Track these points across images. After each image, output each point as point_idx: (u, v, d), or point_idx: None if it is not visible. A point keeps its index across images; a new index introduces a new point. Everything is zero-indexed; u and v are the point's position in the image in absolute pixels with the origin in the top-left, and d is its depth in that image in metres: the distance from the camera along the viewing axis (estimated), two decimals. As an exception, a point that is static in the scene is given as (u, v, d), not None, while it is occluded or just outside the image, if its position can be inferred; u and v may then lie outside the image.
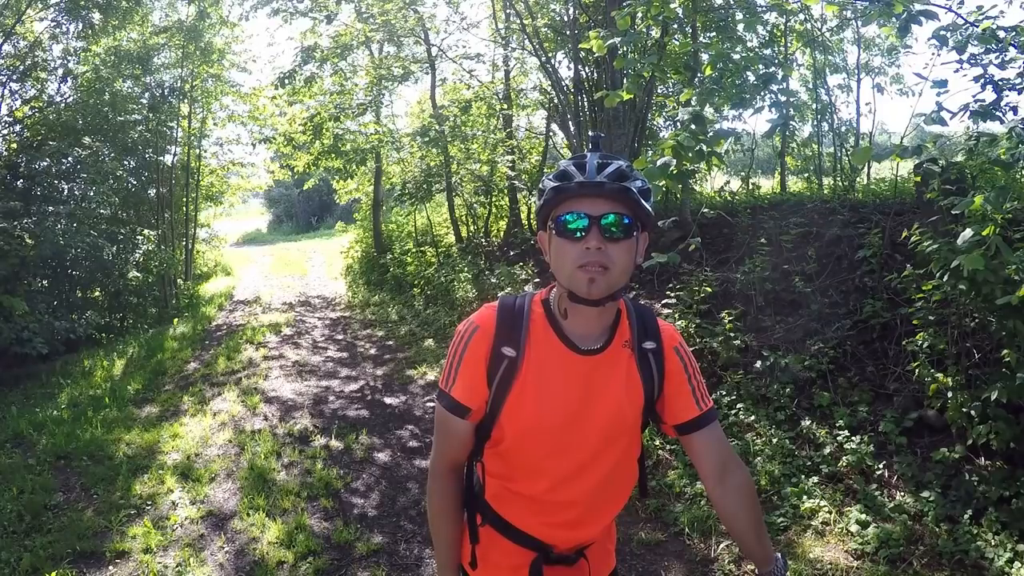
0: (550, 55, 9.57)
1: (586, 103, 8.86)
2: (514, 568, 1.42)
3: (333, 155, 12.06)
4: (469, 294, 8.73)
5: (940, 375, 3.73)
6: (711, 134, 3.55)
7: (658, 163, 3.37)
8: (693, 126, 3.50)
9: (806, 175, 9.17)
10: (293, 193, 29.96)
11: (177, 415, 5.80)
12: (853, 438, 3.87)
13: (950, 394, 3.61)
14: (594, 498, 1.38)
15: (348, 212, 21.33)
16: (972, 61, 3.87)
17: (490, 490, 1.44)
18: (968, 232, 3.04)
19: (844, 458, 3.79)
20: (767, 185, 10.17)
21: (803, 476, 3.80)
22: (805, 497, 3.60)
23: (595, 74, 8.81)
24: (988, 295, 3.26)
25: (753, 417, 4.38)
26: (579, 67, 8.89)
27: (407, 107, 19.74)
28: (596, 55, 5.61)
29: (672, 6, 4.55)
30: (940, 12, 3.60)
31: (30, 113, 10.64)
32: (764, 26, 8.18)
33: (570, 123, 8.94)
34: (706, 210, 6.55)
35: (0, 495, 4.19)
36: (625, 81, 4.47)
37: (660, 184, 3.39)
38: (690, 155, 3.45)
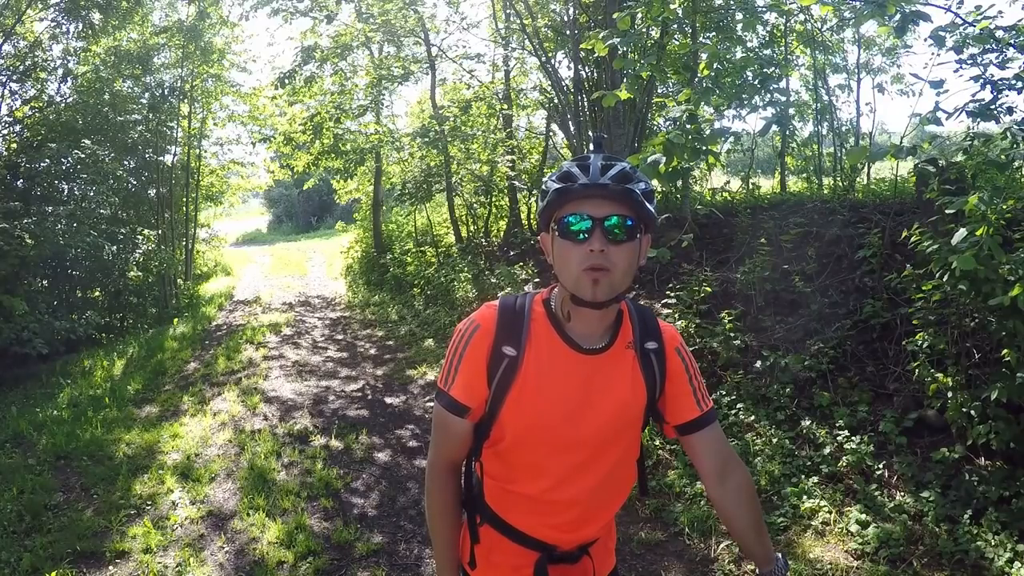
0: (550, 55, 9.57)
1: (586, 103, 8.86)
2: (516, 568, 1.42)
3: (333, 155, 12.08)
4: (469, 294, 8.73)
5: (940, 375, 3.73)
6: (708, 133, 3.55)
7: (648, 160, 3.38)
8: (687, 125, 3.50)
9: (806, 175, 9.17)
10: (293, 193, 29.96)
11: (177, 415, 5.80)
12: (853, 438, 3.87)
13: (950, 394, 3.61)
14: (594, 497, 1.38)
15: (348, 212, 21.34)
16: (971, 61, 3.87)
17: (489, 492, 1.44)
18: (962, 232, 3.04)
19: (844, 458, 3.79)
20: (767, 185, 10.17)
21: (803, 476, 3.80)
22: (805, 497, 3.60)
23: (595, 74, 8.82)
24: (988, 295, 3.27)
25: (753, 417, 4.38)
26: (579, 67, 8.89)
27: (407, 107, 19.82)
28: (596, 55, 5.62)
29: (672, 6, 4.56)
30: (939, 12, 3.61)
31: (30, 113, 10.64)
32: (764, 26, 8.19)
33: (570, 123, 8.94)
34: (699, 207, 6.55)
35: (0, 495, 4.19)
36: (624, 81, 4.47)
37: (653, 182, 3.40)
38: (685, 154, 3.46)
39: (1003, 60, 3.88)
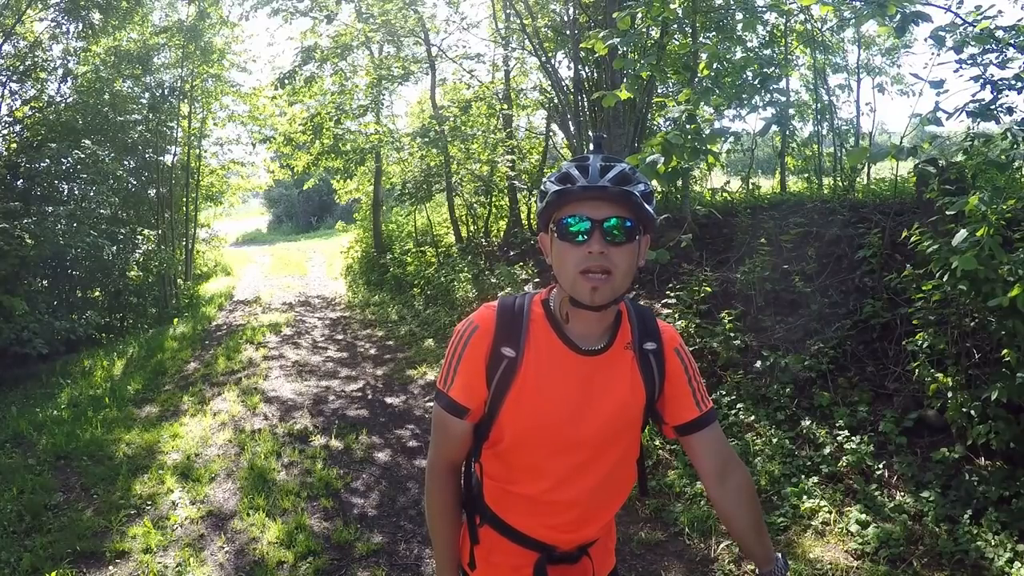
0: (550, 55, 9.57)
1: (586, 103, 8.86)
2: (516, 568, 1.42)
3: (333, 155, 12.08)
4: (469, 294, 8.73)
5: (940, 375, 3.73)
6: (707, 133, 3.56)
7: (647, 160, 3.39)
8: (687, 125, 3.51)
9: (806, 175, 9.16)
10: (293, 193, 29.96)
11: (177, 415, 5.80)
12: (853, 438, 3.87)
13: (950, 394, 3.61)
14: (594, 498, 1.38)
15: (348, 212, 21.34)
16: (971, 61, 3.87)
17: (489, 492, 1.44)
18: (963, 232, 3.04)
19: (844, 458, 3.79)
20: (767, 185, 10.16)
21: (803, 476, 3.80)
22: (805, 497, 3.60)
23: (595, 74, 8.82)
24: (988, 295, 3.27)
25: (753, 417, 4.38)
26: (579, 67, 8.89)
27: (407, 107, 19.83)
28: (596, 55, 5.62)
29: (672, 6, 4.56)
30: (938, 12, 3.61)
31: (30, 113, 10.64)
32: (764, 26, 8.18)
33: (570, 123, 8.94)
34: (699, 207, 6.54)
35: (0, 495, 4.19)
36: (624, 81, 4.48)
37: (651, 182, 3.41)
38: (684, 155, 3.46)
39: (1003, 60, 3.88)
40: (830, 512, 3.47)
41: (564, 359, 1.32)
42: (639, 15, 4.64)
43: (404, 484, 4.37)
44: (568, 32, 9.03)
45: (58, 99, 11.18)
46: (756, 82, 4.84)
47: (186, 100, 13.26)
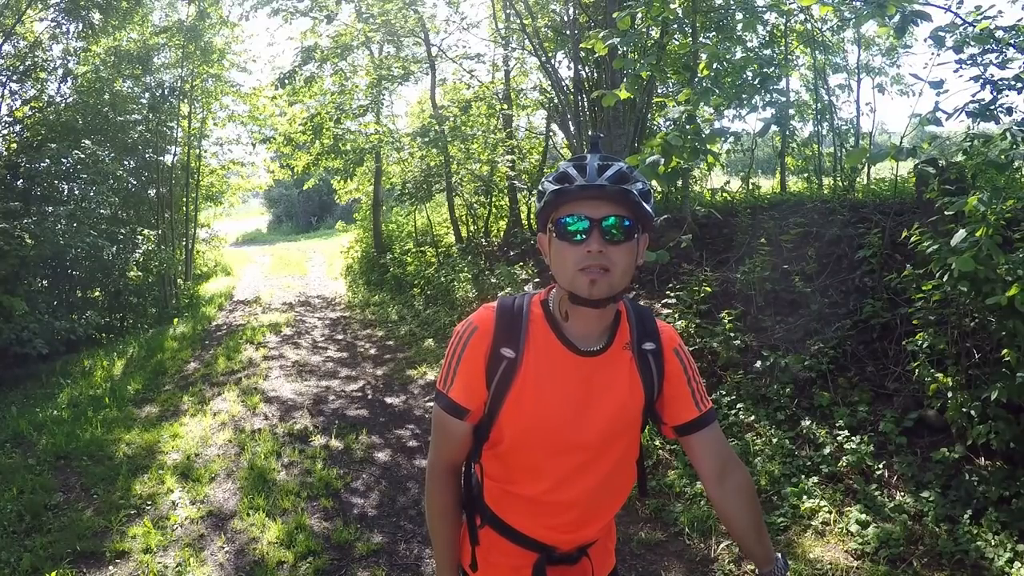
0: (550, 55, 9.57)
1: (586, 103, 8.86)
2: (515, 569, 1.42)
3: (333, 155, 12.09)
4: (469, 294, 8.73)
5: (940, 375, 3.73)
6: (707, 133, 3.56)
7: (647, 161, 3.39)
8: (686, 126, 3.51)
9: (806, 175, 9.16)
10: (293, 193, 29.98)
11: (177, 415, 5.80)
12: (853, 438, 3.87)
13: (950, 394, 3.61)
14: (594, 499, 1.38)
15: (348, 212, 21.35)
16: (971, 61, 3.87)
17: (489, 493, 1.44)
18: (961, 233, 3.04)
19: (844, 458, 3.79)
20: (767, 185, 10.16)
21: (803, 476, 3.80)
22: (805, 497, 3.60)
23: (595, 74, 8.82)
24: (988, 295, 3.27)
25: (753, 417, 4.38)
26: (579, 67, 8.89)
27: (407, 107, 19.83)
28: (596, 55, 5.62)
29: (672, 6, 4.56)
30: (938, 12, 3.61)
31: (30, 113, 10.64)
32: (764, 26, 8.19)
33: (570, 123, 8.94)
34: (698, 207, 6.53)
35: (0, 495, 4.19)
36: (624, 81, 4.48)
37: (651, 183, 3.41)
38: (684, 155, 3.46)
39: (1003, 60, 3.88)
40: (830, 512, 3.47)
41: (563, 360, 1.32)
42: (639, 15, 4.64)
43: (404, 484, 4.37)
44: (568, 32, 9.03)
45: (58, 99, 11.19)
46: (756, 82, 4.85)
47: (186, 100, 13.27)
